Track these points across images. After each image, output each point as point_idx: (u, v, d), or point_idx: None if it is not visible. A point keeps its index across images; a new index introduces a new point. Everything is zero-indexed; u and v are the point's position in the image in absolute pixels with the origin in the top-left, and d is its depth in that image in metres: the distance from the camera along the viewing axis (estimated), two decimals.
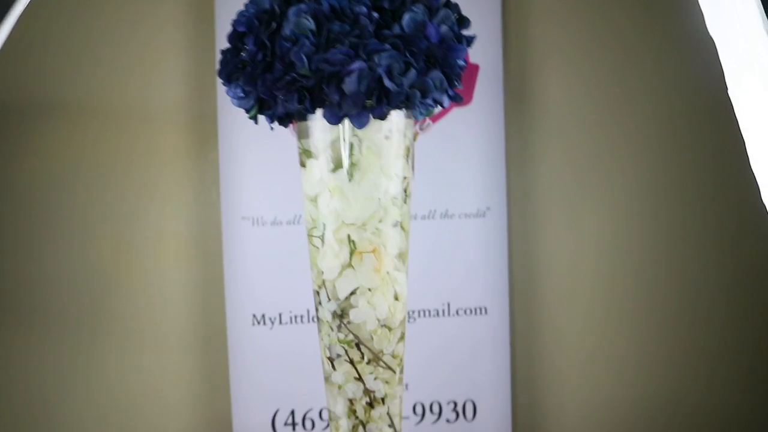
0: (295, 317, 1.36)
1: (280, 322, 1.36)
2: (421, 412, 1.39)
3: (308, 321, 1.36)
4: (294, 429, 1.37)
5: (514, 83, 1.54)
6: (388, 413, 0.68)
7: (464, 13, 0.67)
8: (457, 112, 1.38)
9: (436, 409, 1.40)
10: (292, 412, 1.37)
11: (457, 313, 1.38)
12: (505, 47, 1.51)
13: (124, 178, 1.51)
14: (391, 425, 0.68)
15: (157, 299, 1.53)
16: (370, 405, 0.67)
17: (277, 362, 1.36)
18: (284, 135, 1.35)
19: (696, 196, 1.59)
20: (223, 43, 0.65)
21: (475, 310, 1.39)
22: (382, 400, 0.67)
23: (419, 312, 1.37)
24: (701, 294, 1.59)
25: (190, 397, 1.53)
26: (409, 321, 1.29)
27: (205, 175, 1.51)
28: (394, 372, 0.67)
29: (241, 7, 0.68)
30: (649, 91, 1.58)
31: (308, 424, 1.38)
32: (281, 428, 1.37)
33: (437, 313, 1.38)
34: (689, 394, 1.58)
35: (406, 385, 1.40)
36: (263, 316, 1.36)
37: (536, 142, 1.56)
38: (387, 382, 0.67)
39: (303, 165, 0.66)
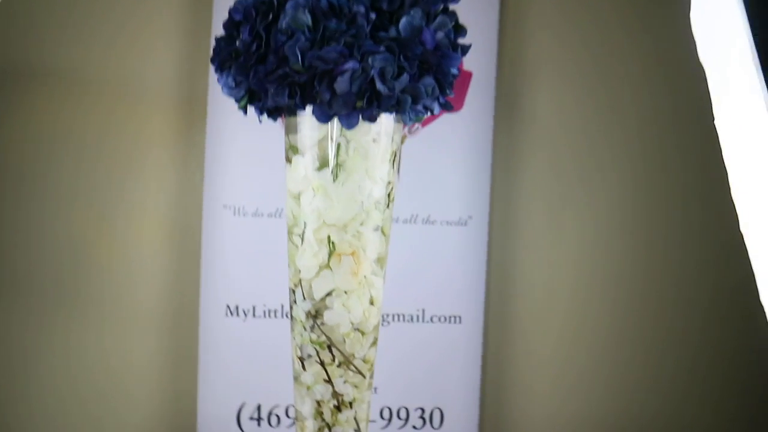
0: (269, 311, 1.35)
1: (254, 315, 1.35)
2: (388, 416, 1.39)
3: (282, 316, 1.35)
4: (259, 424, 1.36)
5: (506, 92, 1.54)
6: (355, 417, 0.67)
7: (461, 20, 0.67)
8: (446, 118, 1.38)
9: (403, 414, 1.39)
10: (258, 407, 1.36)
11: (431, 320, 1.38)
12: (499, 56, 1.51)
13: (110, 153, 1.49)
14: (358, 430, 0.68)
15: (130, 279, 1.51)
16: (338, 408, 0.66)
17: (247, 355, 1.35)
18: (273, 127, 1.34)
19: (679, 214, 1.60)
20: (219, 29, 0.64)
21: (450, 318, 1.39)
22: (350, 404, 0.66)
23: (393, 316, 1.36)
24: (678, 310, 1.59)
25: (157, 382, 1.51)
26: (382, 324, 1.28)
27: (190, 159, 1.50)
28: (364, 377, 0.66)
29: None
30: (636, 105, 1.58)
31: (273, 420, 1.37)
32: (246, 422, 1.36)
33: (411, 319, 1.37)
34: (660, 413, 1.58)
35: (375, 389, 1.39)
36: (237, 307, 1.35)
37: (523, 152, 1.56)
38: (356, 387, 0.66)
39: (288, 161, 0.65)
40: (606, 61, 1.58)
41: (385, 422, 1.38)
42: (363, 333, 0.65)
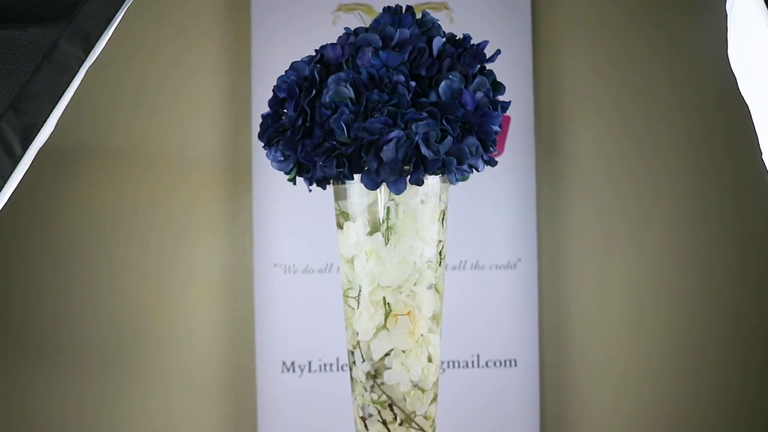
0: (325, 365, 1.37)
1: (310, 370, 1.37)
2: None
3: (338, 369, 1.37)
4: None
5: (545, 134, 1.55)
6: None
7: (496, 65, 0.69)
8: None
9: None
10: None
11: (486, 364, 1.38)
12: (536, 98, 1.53)
13: (160, 222, 1.54)
14: None
15: (186, 343, 1.55)
16: None
17: (305, 410, 1.37)
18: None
19: (722, 247, 1.58)
20: (258, 91, 0.67)
21: (505, 362, 1.39)
22: None
23: (448, 363, 1.37)
24: (728, 344, 1.57)
25: None
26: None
27: (238, 222, 1.54)
28: None
29: (278, 59, 0.70)
30: (677, 145, 1.58)
31: None
32: None
33: (467, 365, 1.38)
34: None
35: None
36: (293, 363, 1.37)
37: (567, 193, 1.56)
38: None
39: (340, 227, 0.67)
40: (643, 97, 1.58)
41: None
42: (423, 390, 0.66)
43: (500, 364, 1.38)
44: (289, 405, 1.37)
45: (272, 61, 1.42)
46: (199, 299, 1.52)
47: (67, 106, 1.52)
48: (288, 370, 1.37)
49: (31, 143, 0.49)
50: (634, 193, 1.56)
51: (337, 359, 1.36)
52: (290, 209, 1.39)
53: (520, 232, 1.41)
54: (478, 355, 1.38)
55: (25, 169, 0.53)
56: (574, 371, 1.53)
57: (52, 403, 1.52)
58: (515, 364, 1.39)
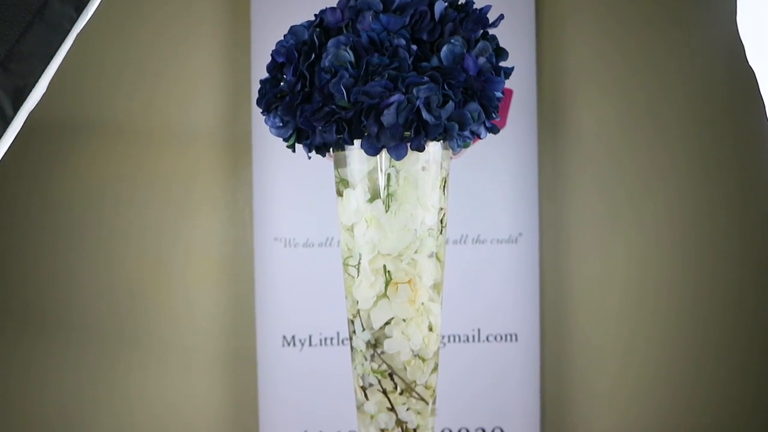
0: (325, 339, 1.37)
1: (310, 344, 1.36)
2: None
3: (338, 343, 1.36)
4: None
5: (548, 109, 1.54)
6: None
7: (499, 38, 0.67)
8: (490, 137, 1.38)
9: None
10: None
11: (487, 339, 1.38)
12: (539, 73, 1.51)
13: (160, 197, 1.53)
14: None
15: (186, 318, 1.54)
16: None
17: (306, 384, 1.37)
18: (318, 159, 1.35)
19: (725, 226, 1.57)
20: (258, 66, 0.66)
21: (506, 336, 1.38)
22: (414, 430, 0.66)
23: (449, 337, 1.36)
24: (729, 324, 1.56)
25: (218, 417, 1.53)
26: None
27: (238, 196, 1.53)
28: (427, 403, 0.67)
29: (278, 35, 0.69)
30: (680, 123, 1.57)
31: None
32: None
33: (467, 339, 1.37)
34: (718, 421, 1.55)
35: (435, 411, 1.39)
36: (293, 337, 1.37)
37: (569, 168, 1.55)
38: (419, 413, 0.66)
39: (340, 194, 0.66)
40: (647, 76, 1.57)
41: None
42: (423, 360, 0.65)
43: (501, 338, 1.38)
44: (289, 379, 1.37)
45: (272, 37, 1.39)
46: (199, 274, 1.52)
47: (67, 80, 1.50)
48: (288, 344, 1.37)
49: (22, 104, 0.48)
50: (637, 171, 1.55)
51: (338, 333, 1.36)
52: (290, 183, 1.38)
53: (521, 206, 1.40)
54: (478, 330, 1.37)
55: (17, 131, 0.52)
56: (575, 346, 1.53)
57: (51, 379, 1.52)
58: (516, 339, 1.38)
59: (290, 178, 1.38)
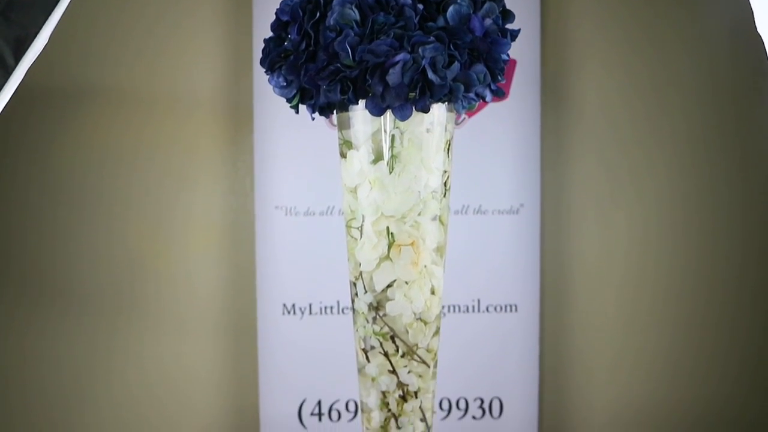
0: (326, 308, 1.37)
1: (310, 313, 1.37)
2: (448, 407, 1.39)
3: (338, 312, 1.37)
4: (320, 419, 1.38)
5: (551, 81, 1.52)
6: (420, 407, 0.68)
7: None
8: (493, 108, 1.38)
9: (462, 405, 1.39)
10: (319, 403, 1.38)
11: (487, 309, 1.38)
12: (543, 45, 1.50)
13: (161, 164, 1.52)
14: (423, 419, 0.68)
15: (187, 286, 1.54)
16: (403, 398, 0.66)
17: (305, 352, 1.37)
18: (320, 126, 1.35)
19: (727, 199, 1.57)
20: (260, 33, 0.65)
21: (506, 307, 1.38)
22: (415, 393, 0.67)
23: (449, 307, 1.37)
24: (730, 297, 1.57)
25: (219, 383, 1.54)
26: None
27: (239, 164, 1.52)
28: (428, 366, 0.67)
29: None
30: (683, 96, 1.56)
31: (334, 415, 1.38)
32: (307, 418, 1.38)
33: (467, 309, 1.38)
34: (716, 398, 1.56)
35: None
36: (293, 305, 1.37)
37: (571, 141, 1.54)
38: (421, 376, 0.67)
39: (343, 156, 0.65)
40: (651, 51, 1.55)
41: (444, 413, 1.39)
42: (425, 323, 0.65)
43: (501, 309, 1.38)
44: (289, 347, 1.37)
45: (274, 3, 1.39)
46: (199, 242, 1.52)
47: (69, 46, 1.49)
48: (288, 312, 1.37)
49: (23, 54, 0.48)
50: (639, 144, 1.54)
51: (338, 302, 1.36)
52: (292, 152, 1.38)
53: (523, 177, 1.40)
54: (478, 300, 1.38)
55: (18, 81, 0.52)
56: (575, 318, 1.53)
57: (48, 347, 1.52)
58: (516, 310, 1.39)
59: (292, 147, 1.38)
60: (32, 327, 1.53)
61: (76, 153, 1.51)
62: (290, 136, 1.38)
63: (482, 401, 1.39)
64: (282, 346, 1.37)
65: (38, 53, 0.52)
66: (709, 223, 1.56)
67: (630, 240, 1.55)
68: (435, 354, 0.67)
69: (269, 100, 1.38)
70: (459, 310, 1.37)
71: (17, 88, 1.48)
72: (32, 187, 1.50)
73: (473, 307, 1.37)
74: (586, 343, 1.54)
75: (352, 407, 1.37)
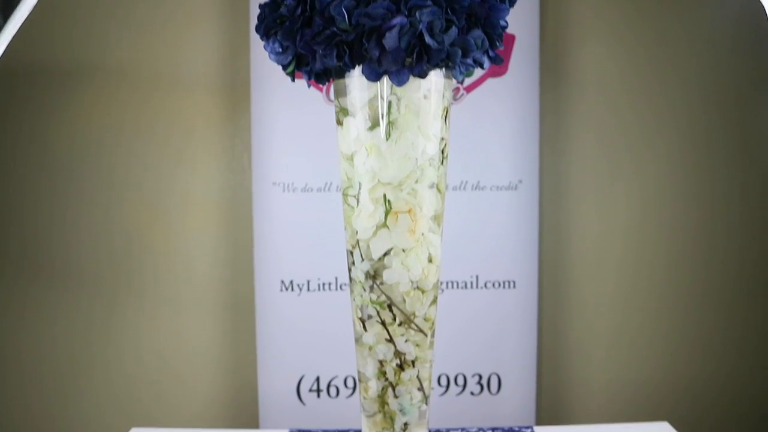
0: (324, 284, 1.37)
1: (308, 289, 1.37)
2: (446, 383, 1.39)
3: (336, 288, 1.36)
4: (318, 395, 1.38)
5: (550, 57, 1.52)
6: (418, 377, 0.67)
7: None
8: (491, 83, 1.37)
9: (461, 381, 1.40)
10: (317, 379, 1.38)
11: (485, 285, 1.38)
12: (542, 21, 1.49)
13: (159, 142, 1.52)
14: (421, 389, 0.68)
15: (185, 264, 1.54)
16: (401, 367, 0.66)
17: (304, 329, 1.37)
18: (317, 102, 1.34)
19: (725, 176, 1.57)
20: (257, 11, 0.64)
21: (504, 283, 1.38)
22: (413, 362, 0.66)
23: (447, 283, 1.36)
24: (731, 272, 1.57)
25: (217, 360, 1.54)
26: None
27: (237, 141, 1.51)
28: (426, 335, 0.66)
29: None
30: (681, 74, 1.55)
31: (333, 391, 1.38)
32: (306, 394, 1.38)
33: (465, 285, 1.37)
34: (714, 375, 1.56)
35: None
36: (291, 282, 1.37)
37: (570, 116, 1.54)
38: (418, 345, 0.66)
39: (339, 123, 0.65)
40: (650, 30, 1.55)
41: (442, 389, 1.39)
42: (423, 291, 0.65)
43: (499, 285, 1.38)
44: (287, 324, 1.37)
45: None
46: (197, 219, 1.51)
47: (67, 23, 1.46)
48: (286, 289, 1.37)
49: (13, 12, 0.47)
50: (637, 120, 1.54)
51: (336, 278, 1.36)
52: (290, 128, 1.37)
53: (522, 153, 1.39)
54: (477, 276, 1.38)
55: (8, 40, 0.51)
56: (573, 295, 1.53)
57: (44, 324, 1.52)
58: (514, 286, 1.38)
59: (289, 124, 1.37)
60: (29, 305, 1.53)
61: (75, 131, 1.51)
62: (288, 113, 1.37)
63: (480, 377, 1.40)
64: (280, 323, 1.37)
65: (30, 10, 0.51)
66: (708, 201, 1.55)
67: (629, 217, 1.55)
68: (433, 323, 0.67)
69: (267, 78, 1.37)
70: (457, 287, 1.37)
71: (17, 66, 1.47)
72: (30, 164, 1.50)
73: (471, 283, 1.37)
74: (584, 319, 1.54)
75: (350, 383, 1.38)
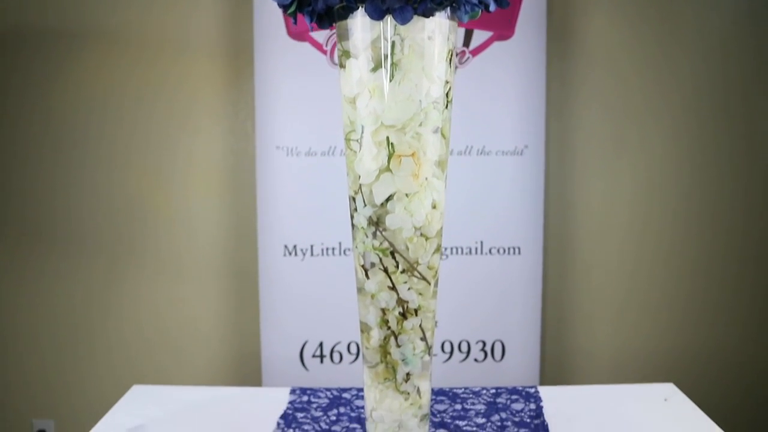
0: (327, 249, 1.36)
1: (312, 254, 1.36)
2: (449, 350, 1.39)
3: (340, 254, 1.36)
4: (322, 361, 1.38)
5: (557, 23, 1.50)
6: (421, 326, 0.66)
7: None
8: (497, 47, 1.35)
9: (464, 347, 1.39)
10: (321, 345, 1.38)
11: (490, 251, 1.37)
12: None
13: (163, 108, 1.51)
14: (423, 338, 0.67)
15: (188, 229, 1.53)
16: (403, 316, 0.65)
17: (307, 294, 1.36)
18: (322, 66, 1.32)
19: (730, 146, 1.55)
20: None
21: (509, 249, 1.37)
22: (415, 311, 0.65)
23: (451, 249, 1.36)
24: (737, 239, 1.55)
25: (220, 325, 1.54)
26: (441, 258, 1.28)
27: (240, 107, 1.50)
28: (429, 283, 0.65)
29: None
30: (687, 44, 1.53)
31: (336, 356, 1.38)
32: (309, 360, 1.38)
33: (470, 251, 1.36)
34: (725, 341, 1.55)
35: (436, 323, 1.39)
36: (295, 247, 1.36)
37: (576, 82, 1.52)
38: (421, 294, 0.65)
39: (342, 66, 0.63)
40: (657, 4, 1.53)
41: (446, 355, 1.38)
42: (426, 238, 0.64)
43: (504, 251, 1.37)
44: (290, 289, 1.37)
45: None
46: (200, 184, 1.50)
47: None
48: (290, 254, 1.36)
49: None
50: (644, 88, 1.53)
51: (339, 243, 1.35)
52: (293, 92, 1.36)
53: (527, 119, 1.37)
54: (481, 242, 1.37)
55: None
56: (579, 261, 1.52)
57: (45, 289, 1.52)
58: (519, 252, 1.37)
59: (293, 88, 1.36)
60: (30, 269, 1.53)
61: (79, 95, 1.50)
62: (291, 77, 1.35)
63: (484, 344, 1.39)
64: (283, 288, 1.37)
65: None
66: (713, 169, 1.54)
67: (634, 186, 1.53)
68: (436, 271, 0.66)
69: (269, 42, 1.36)
70: (461, 252, 1.36)
71: (24, 27, 1.45)
72: (34, 128, 1.49)
73: (476, 249, 1.36)
74: (589, 287, 1.53)
75: (353, 349, 1.37)
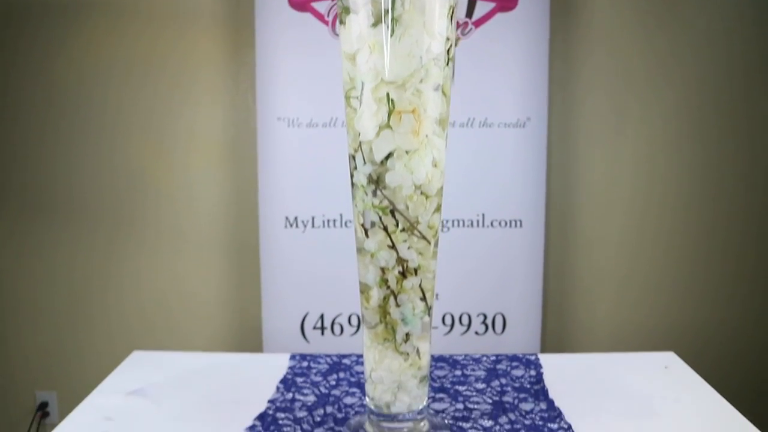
0: (328, 221, 1.36)
1: (313, 226, 1.35)
2: (450, 323, 1.39)
3: (341, 225, 1.35)
4: (323, 333, 1.38)
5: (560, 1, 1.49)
6: (420, 286, 0.66)
7: None
8: (500, 18, 1.34)
9: (465, 320, 1.39)
10: (322, 317, 1.38)
11: (491, 224, 1.36)
12: None
13: (166, 80, 1.50)
14: (423, 299, 0.67)
15: (188, 200, 1.53)
16: (403, 275, 0.65)
17: (308, 266, 1.36)
18: (322, 36, 1.32)
19: (733, 122, 1.54)
20: None
21: (511, 222, 1.37)
22: (415, 271, 0.65)
23: (452, 221, 1.35)
24: (738, 213, 1.55)
25: (221, 297, 1.54)
26: (442, 230, 1.27)
27: (241, 78, 1.49)
28: (429, 243, 0.65)
29: None
30: (691, 22, 1.52)
31: (337, 329, 1.38)
32: (310, 332, 1.38)
33: (471, 224, 1.36)
34: (727, 314, 1.55)
35: (437, 295, 1.39)
36: (296, 219, 1.36)
37: (579, 55, 1.51)
38: (421, 253, 0.65)
39: (342, 22, 0.63)
40: None
41: (447, 328, 1.38)
42: (427, 196, 0.63)
43: (506, 224, 1.37)
44: (291, 261, 1.37)
45: None
46: (201, 156, 1.50)
47: None
48: (291, 225, 1.36)
49: None
50: (648, 62, 1.52)
51: (341, 215, 1.35)
52: (294, 63, 1.35)
53: (530, 91, 1.37)
54: (483, 215, 1.36)
55: None
56: (580, 234, 1.52)
57: (45, 259, 1.53)
58: (521, 225, 1.37)
59: (294, 58, 1.35)
60: (30, 240, 1.53)
61: (82, 67, 1.49)
62: (293, 48, 1.35)
63: (485, 317, 1.39)
64: (284, 260, 1.37)
65: None
66: (716, 146, 1.53)
67: (636, 159, 1.53)
68: (436, 231, 0.66)
69: (271, 14, 1.35)
70: (463, 225, 1.36)
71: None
72: (36, 99, 1.49)
73: (478, 221, 1.36)
74: (591, 260, 1.53)
75: (354, 321, 1.37)
